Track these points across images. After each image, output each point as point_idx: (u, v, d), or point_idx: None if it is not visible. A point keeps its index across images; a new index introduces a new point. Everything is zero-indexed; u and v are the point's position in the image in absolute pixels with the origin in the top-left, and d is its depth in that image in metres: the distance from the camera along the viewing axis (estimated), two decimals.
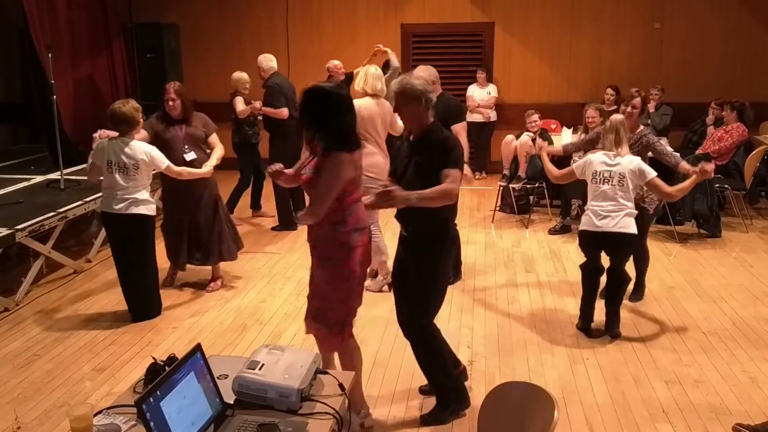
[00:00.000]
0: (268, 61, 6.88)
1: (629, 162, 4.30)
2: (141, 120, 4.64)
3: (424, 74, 4.64)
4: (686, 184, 4.27)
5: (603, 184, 4.31)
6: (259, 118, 6.96)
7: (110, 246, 4.81)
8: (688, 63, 9.19)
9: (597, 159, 4.39)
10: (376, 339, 4.46)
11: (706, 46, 9.20)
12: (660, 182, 4.29)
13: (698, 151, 7.08)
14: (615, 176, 4.28)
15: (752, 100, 7.44)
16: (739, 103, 7.16)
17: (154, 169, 4.65)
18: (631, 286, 4.91)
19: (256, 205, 7.60)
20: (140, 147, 4.54)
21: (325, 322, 3.18)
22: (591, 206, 4.37)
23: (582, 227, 4.43)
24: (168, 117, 5.00)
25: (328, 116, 3.00)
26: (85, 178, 6.47)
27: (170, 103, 4.96)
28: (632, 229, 4.29)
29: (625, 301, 4.99)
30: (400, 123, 4.80)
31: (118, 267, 4.77)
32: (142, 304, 4.81)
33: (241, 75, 6.95)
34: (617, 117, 4.48)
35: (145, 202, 4.59)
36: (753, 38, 9.13)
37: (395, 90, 3.23)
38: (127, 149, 4.50)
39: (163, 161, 4.61)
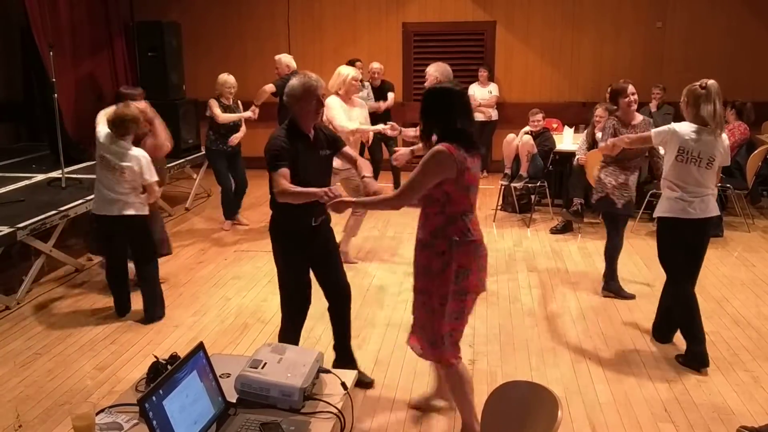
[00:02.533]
0: (290, 60, 6.87)
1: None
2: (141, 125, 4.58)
3: (436, 72, 4.75)
4: None
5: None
6: (241, 124, 6.83)
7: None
8: (689, 62, 9.17)
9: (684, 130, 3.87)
10: (377, 339, 4.45)
11: (708, 45, 9.19)
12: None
13: None
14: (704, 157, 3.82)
15: (754, 100, 7.43)
16: (740, 102, 7.15)
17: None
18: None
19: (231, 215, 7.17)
20: (134, 154, 4.49)
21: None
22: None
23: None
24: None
25: (443, 113, 2.97)
26: (87, 176, 6.48)
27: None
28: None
29: (615, 300, 5.03)
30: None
31: (120, 269, 4.77)
32: (156, 304, 4.81)
33: (227, 78, 6.77)
34: (715, 83, 3.83)
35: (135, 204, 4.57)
36: (754, 37, 9.12)
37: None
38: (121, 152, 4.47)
39: (151, 176, 4.53)
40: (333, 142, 3.59)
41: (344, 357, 3.81)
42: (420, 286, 3.07)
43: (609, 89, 4.94)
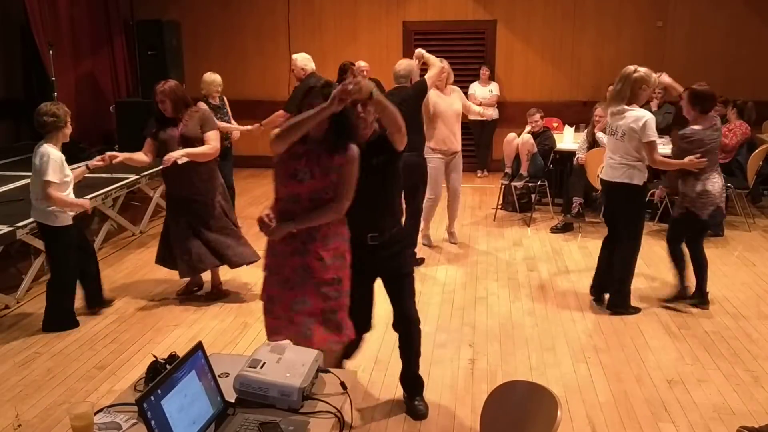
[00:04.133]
0: (308, 61, 6.62)
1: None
2: (62, 124, 4.32)
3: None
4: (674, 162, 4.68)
5: None
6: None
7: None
8: (690, 61, 9.16)
9: None
10: (377, 339, 4.44)
11: (709, 44, 9.18)
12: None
13: None
14: None
15: (755, 99, 7.42)
16: (741, 101, 7.14)
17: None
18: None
19: None
20: (40, 151, 4.27)
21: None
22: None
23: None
24: (163, 117, 4.73)
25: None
26: (87, 175, 6.46)
27: (159, 105, 4.70)
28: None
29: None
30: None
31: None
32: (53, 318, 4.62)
33: (213, 77, 6.53)
34: (629, 70, 4.56)
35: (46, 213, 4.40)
36: (756, 37, 9.11)
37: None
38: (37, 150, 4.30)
39: (45, 175, 4.21)
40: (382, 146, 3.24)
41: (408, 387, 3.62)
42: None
43: (696, 95, 4.61)
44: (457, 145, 6.04)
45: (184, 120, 4.73)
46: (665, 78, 5.01)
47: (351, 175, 2.95)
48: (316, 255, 3.01)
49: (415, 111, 5.29)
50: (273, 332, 3.07)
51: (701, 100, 4.65)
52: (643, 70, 4.55)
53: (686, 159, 4.61)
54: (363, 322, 3.47)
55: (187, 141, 4.71)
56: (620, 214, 4.76)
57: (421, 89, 5.34)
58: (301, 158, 2.92)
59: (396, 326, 3.48)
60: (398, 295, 3.41)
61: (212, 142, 4.77)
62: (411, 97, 5.27)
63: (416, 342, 3.53)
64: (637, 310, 4.84)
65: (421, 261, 5.92)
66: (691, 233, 4.88)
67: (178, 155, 4.61)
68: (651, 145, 4.49)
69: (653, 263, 5.87)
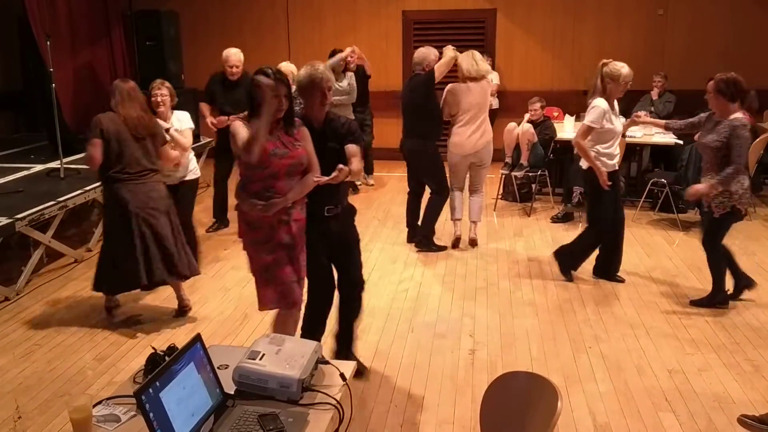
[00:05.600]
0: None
1: None
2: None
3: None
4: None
5: None
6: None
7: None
8: (691, 50, 9.12)
9: None
10: (377, 330, 4.44)
11: (710, 32, 9.13)
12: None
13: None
14: None
15: (755, 87, 7.38)
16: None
17: None
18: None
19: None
20: None
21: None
22: None
23: None
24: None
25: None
26: (85, 167, 6.45)
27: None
28: None
29: (616, 290, 5.00)
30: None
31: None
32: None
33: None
34: (606, 65, 4.86)
35: None
36: (756, 25, 9.05)
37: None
38: None
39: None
40: (343, 136, 3.47)
41: (342, 351, 3.82)
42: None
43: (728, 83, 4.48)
44: None
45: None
46: (645, 119, 5.26)
47: (311, 145, 3.34)
48: (300, 226, 3.37)
49: (423, 99, 5.59)
50: (268, 303, 3.42)
51: (734, 88, 4.51)
52: (614, 66, 4.75)
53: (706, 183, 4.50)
54: (328, 292, 3.72)
55: None
56: (587, 197, 5.17)
57: (429, 78, 5.57)
58: (269, 139, 3.18)
59: (342, 289, 3.73)
60: (347, 262, 3.69)
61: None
62: (420, 85, 5.57)
63: (360, 304, 3.81)
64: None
65: (443, 248, 6.04)
66: (719, 231, 4.66)
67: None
68: (582, 127, 4.82)
69: (654, 252, 5.87)
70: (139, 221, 4.27)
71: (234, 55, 6.30)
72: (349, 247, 3.67)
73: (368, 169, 8.29)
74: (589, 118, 4.78)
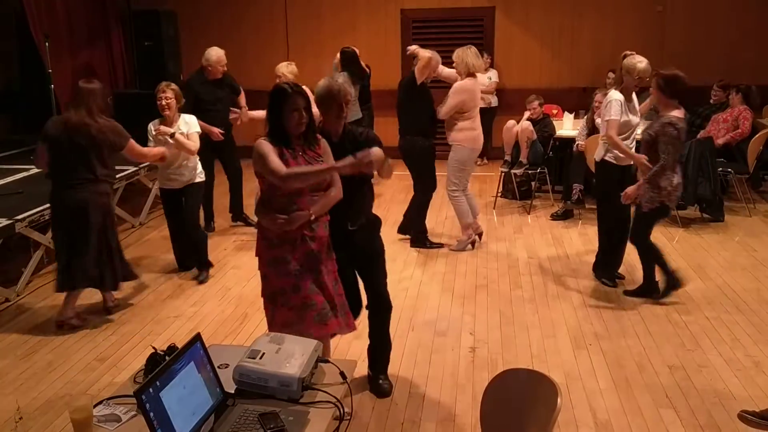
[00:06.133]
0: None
1: None
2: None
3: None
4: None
5: None
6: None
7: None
8: (690, 46, 9.11)
9: None
10: None
11: (709, 29, 9.12)
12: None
13: (701, 135, 7.04)
14: None
15: (756, 83, 7.38)
16: (745, 86, 7.11)
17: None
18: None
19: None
20: None
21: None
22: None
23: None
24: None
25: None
26: None
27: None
28: None
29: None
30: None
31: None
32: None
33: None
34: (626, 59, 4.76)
35: None
36: (756, 21, 9.05)
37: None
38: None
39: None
40: (363, 145, 3.24)
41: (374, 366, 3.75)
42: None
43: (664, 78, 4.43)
44: (450, 139, 5.91)
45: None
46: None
47: (332, 159, 3.22)
48: (323, 243, 3.23)
49: (406, 99, 5.81)
50: (285, 325, 3.14)
51: (673, 85, 4.44)
52: (632, 59, 4.69)
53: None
54: (356, 304, 3.65)
55: None
56: (597, 191, 5.10)
57: (411, 80, 5.75)
58: (294, 158, 3.09)
59: (371, 306, 3.64)
60: (372, 275, 3.61)
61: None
62: (405, 86, 5.82)
63: (389, 319, 3.70)
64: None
65: (440, 245, 6.08)
66: (648, 226, 4.72)
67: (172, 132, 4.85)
68: (608, 123, 4.71)
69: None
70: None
71: (224, 55, 6.28)
72: (372, 258, 3.59)
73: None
74: (610, 113, 4.68)
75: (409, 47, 5.96)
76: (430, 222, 6.37)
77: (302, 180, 3.04)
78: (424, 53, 5.67)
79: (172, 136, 4.72)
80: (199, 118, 5.37)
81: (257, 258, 3.26)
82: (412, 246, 6.01)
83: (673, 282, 4.75)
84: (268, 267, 3.20)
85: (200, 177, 5.21)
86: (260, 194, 3.22)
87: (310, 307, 3.13)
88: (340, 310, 3.27)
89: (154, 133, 4.95)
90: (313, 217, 3.13)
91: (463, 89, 5.75)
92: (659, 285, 4.79)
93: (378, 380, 3.67)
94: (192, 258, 5.39)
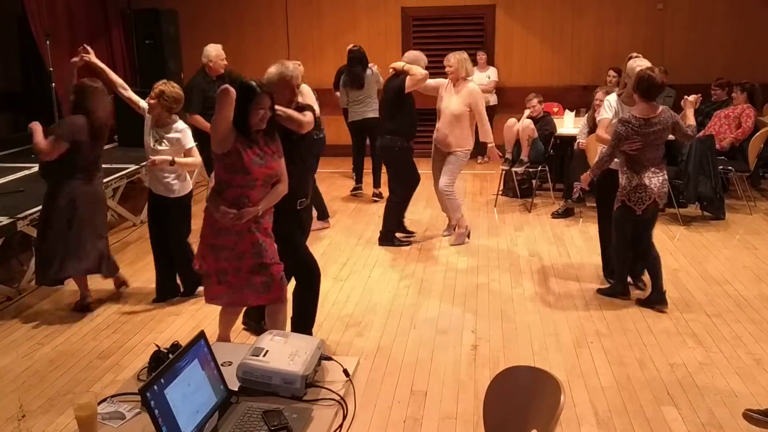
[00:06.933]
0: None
1: None
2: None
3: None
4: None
5: None
6: None
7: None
8: (691, 44, 9.11)
9: None
10: (378, 327, 4.45)
11: (710, 27, 9.12)
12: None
13: (702, 134, 7.04)
14: None
15: (758, 81, 7.38)
16: (750, 84, 7.11)
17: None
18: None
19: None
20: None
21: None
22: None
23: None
24: None
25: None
26: None
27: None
28: None
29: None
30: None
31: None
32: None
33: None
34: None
35: None
36: (757, 19, 9.04)
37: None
38: None
39: None
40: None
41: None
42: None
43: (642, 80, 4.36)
44: (448, 142, 5.89)
45: None
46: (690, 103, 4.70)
47: (284, 159, 3.49)
48: (266, 232, 3.49)
49: (392, 99, 5.81)
50: (215, 298, 3.61)
51: (643, 84, 4.35)
52: (634, 62, 4.62)
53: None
54: (316, 267, 4.00)
55: None
56: (597, 194, 5.10)
57: (399, 85, 5.74)
58: (251, 147, 3.30)
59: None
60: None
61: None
62: (392, 89, 5.81)
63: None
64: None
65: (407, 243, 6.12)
66: (619, 226, 4.63)
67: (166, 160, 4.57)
68: (600, 123, 4.82)
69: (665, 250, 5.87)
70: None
71: (221, 49, 6.34)
72: (306, 234, 4.00)
73: (376, 183, 7.96)
74: (601, 113, 4.84)
75: (394, 65, 5.83)
76: (433, 217, 6.39)
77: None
78: (419, 70, 5.65)
79: (172, 163, 4.59)
80: (205, 117, 5.35)
81: (199, 238, 3.54)
82: (380, 245, 6.01)
83: (621, 290, 4.79)
84: (207, 250, 3.50)
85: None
86: (214, 183, 3.45)
87: (243, 287, 3.49)
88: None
89: (148, 164, 4.61)
90: (260, 213, 3.38)
91: (477, 94, 5.82)
92: (621, 287, 4.81)
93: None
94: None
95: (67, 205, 4.48)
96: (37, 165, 4.81)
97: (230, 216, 3.31)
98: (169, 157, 4.56)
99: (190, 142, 4.68)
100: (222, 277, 3.51)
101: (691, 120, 4.60)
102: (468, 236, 6.14)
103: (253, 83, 3.24)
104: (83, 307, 4.76)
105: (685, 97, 4.72)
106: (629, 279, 4.90)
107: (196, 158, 4.76)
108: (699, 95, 4.84)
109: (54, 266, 4.51)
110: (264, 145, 3.35)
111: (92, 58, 4.73)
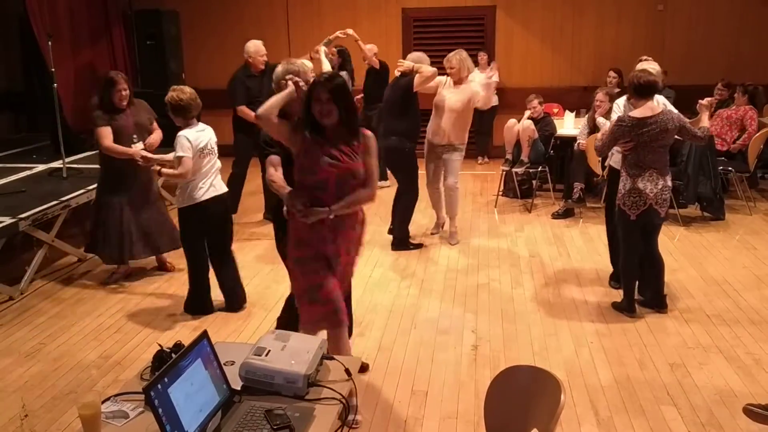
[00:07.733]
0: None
1: None
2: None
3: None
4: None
5: None
6: None
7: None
8: (691, 45, 9.12)
9: None
10: (379, 327, 4.47)
11: (710, 27, 9.13)
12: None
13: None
14: None
15: (759, 83, 7.40)
16: (753, 86, 7.12)
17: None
18: None
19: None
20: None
21: None
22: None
23: None
24: (113, 106, 4.92)
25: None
26: (87, 166, 6.47)
27: (123, 93, 4.91)
28: None
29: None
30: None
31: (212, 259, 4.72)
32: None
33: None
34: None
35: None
36: (757, 19, 9.05)
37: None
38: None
39: None
40: None
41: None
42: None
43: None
44: (449, 138, 5.88)
45: (133, 108, 5.08)
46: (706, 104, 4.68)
47: (374, 160, 3.19)
48: (356, 244, 3.30)
49: (400, 99, 5.74)
50: (328, 316, 3.20)
51: (632, 85, 4.33)
52: (641, 65, 4.57)
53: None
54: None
55: (140, 129, 5.08)
56: (608, 196, 5.00)
57: (407, 84, 5.68)
58: (323, 146, 3.04)
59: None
60: None
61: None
62: (400, 88, 5.75)
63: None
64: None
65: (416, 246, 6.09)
66: (624, 232, 4.53)
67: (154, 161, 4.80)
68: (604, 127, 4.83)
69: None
70: None
71: (262, 45, 6.52)
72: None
73: (382, 175, 7.98)
74: (611, 116, 4.88)
75: (401, 68, 5.73)
76: (432, 217, 6.40)
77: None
78: (428, 68, 5.62)
79: (159, 173, 4.55)
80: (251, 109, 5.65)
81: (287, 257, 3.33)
82: (394, 249, 5.95)
83: (626, 306, 4.57)
84: (295, 265, 3.22)
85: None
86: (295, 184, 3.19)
87: (338, 301, 3.19)
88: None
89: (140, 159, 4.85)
90: (331, 216, 3.05)
91: (477, 85, 5.89)
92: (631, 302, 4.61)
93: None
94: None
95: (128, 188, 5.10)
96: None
97: (299, 209, 3.02)
98: (158, 167, 4.56)
99: (177, 151, 4.36)
100: (314, 295, 3.15)
101: (705, 122, 4.55)
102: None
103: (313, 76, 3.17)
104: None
105: (699, 101, 4.66)
106: (636, 294, 4.65)
107: (183, 167, 4.33)
108: (714, 98, 4.83)
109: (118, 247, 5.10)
110: (342, 144, 3.06)
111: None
